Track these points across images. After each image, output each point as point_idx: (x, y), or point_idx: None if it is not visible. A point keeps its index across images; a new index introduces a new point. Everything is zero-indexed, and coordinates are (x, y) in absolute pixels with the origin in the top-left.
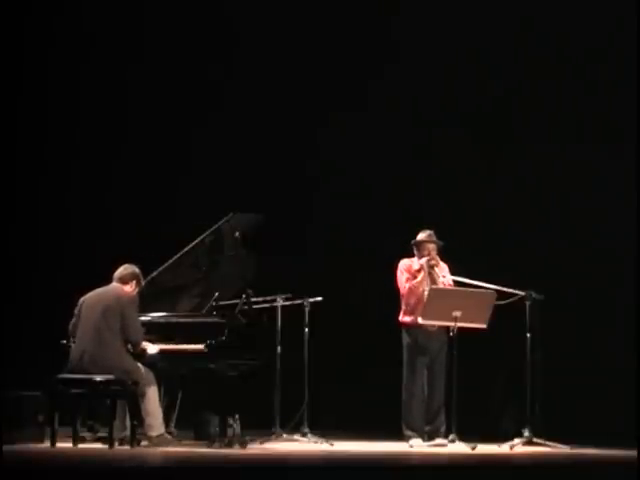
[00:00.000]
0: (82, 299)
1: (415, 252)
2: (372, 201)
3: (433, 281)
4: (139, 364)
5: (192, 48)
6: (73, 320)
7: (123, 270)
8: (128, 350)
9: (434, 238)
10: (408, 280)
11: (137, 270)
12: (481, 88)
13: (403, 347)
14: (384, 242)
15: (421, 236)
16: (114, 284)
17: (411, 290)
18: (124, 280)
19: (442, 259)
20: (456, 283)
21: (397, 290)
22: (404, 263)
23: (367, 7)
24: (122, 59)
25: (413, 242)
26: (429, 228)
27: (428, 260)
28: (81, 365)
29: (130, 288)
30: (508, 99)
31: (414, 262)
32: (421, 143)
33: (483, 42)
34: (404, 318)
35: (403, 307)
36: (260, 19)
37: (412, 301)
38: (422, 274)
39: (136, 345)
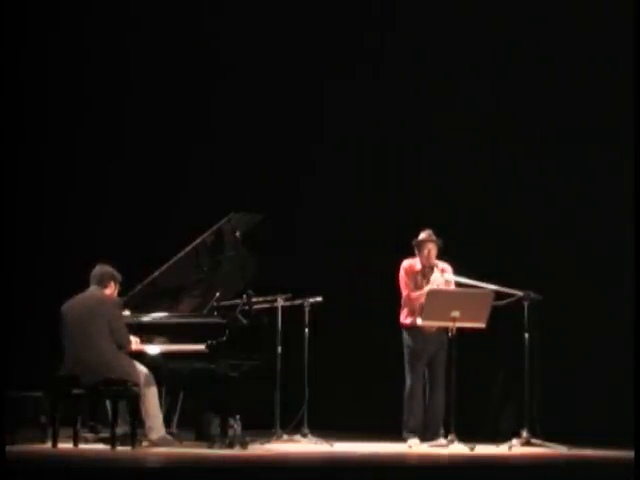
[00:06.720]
0: (64, 309)
1: (416, 252)
2: (373, 201)
3: (429, 282)
4: (139, 365)
5: (192, 47)
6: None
7: (100, 270)
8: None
9: (433, 237)
10: (407, 286)
11: (114, 271)
12: (482, 88)
13: (403, 348)
14: (385, 242)
15: (421, 236)
16: (93, 288)
17: (409, 298)
18: (103, 282)
19: (443, 259)
20: (456, 283)
21: (398, 290)
22: (407, 263)
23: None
24: (123, 57)
25: (414, 242)
26: (429, 228)
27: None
28: (76, 373)
29: (110, 290)
30: (508, 99)
31: (416, 262)
32: (421, 142)
33: (482, 42)
34: (405, 320)
35: (404, 309)
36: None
37: (409, 307)
38: (424, 289)
39: (123, 349)
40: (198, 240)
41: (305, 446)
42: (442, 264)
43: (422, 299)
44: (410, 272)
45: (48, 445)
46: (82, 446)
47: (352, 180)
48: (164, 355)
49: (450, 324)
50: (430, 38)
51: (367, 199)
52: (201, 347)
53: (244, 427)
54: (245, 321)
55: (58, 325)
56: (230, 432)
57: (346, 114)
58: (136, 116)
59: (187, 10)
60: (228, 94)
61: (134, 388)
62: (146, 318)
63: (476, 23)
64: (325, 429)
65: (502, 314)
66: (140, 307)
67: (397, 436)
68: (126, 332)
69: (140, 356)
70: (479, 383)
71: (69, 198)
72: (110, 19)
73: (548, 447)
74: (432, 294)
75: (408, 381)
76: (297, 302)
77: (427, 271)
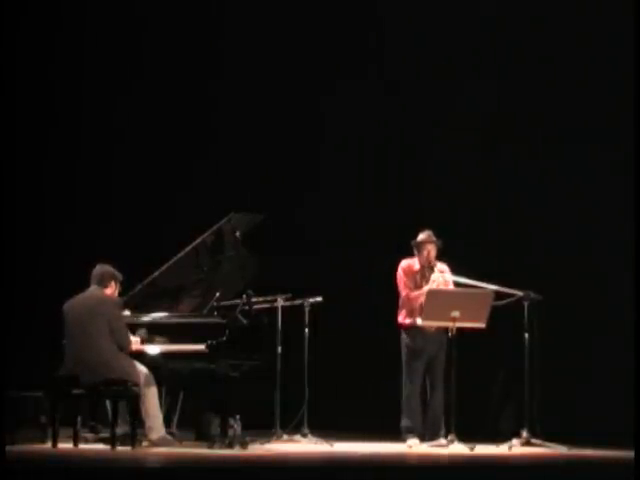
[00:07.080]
0: (65, 308)
1: (415, 252)
2: (373, 201)
3: (428, 282)
4: (139, 365)
5: (195, 47)
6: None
7: (100, 270)
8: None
9: (433, 238)
10: (406, 286)
11: (114, 271)
12: (483, 88)
13: (402, 348)
14: (386, 242)
15: (421, 237)
16: (94, 288)
17: (409, 298)
18: (104, 282)
19: (442, 259)
20: (455, 283)
21: (397, 289)
22: (405, 263)
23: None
24: (127, 56)
25: (413, 243)
26: (429, 228)
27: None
28: (76, 373)
29: (111, 290)
30: (510, 99)
31: (415, 262)
32: (421, 142)
33: (482, 42)
34: (404, 320)
35: (402, 309)
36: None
37: (408, 307)
38: (423, 289)
39: (123, 349)
40: (198, 240)
41: (305, 446)
42: (440, 265)
43: (422, 299)
44: (409, 272)
45: (48, 445)
46: (82, 446)
47: (353, 180)
48: (164, 355)
49: (450, 324)
50: (432, 38)
51: (368, 199)
52: (201, 347)
53: (244, 427)
54: (245, 321)
55: (58, 325)
56: (230, 432)
57: (347, 114)
58: (138, 115)
59: (192, 11)
60: (229, 94)
61: (134, 388)
62: (146, 318)
63: (478, 23)
64: (325, 429)
65: (502, 314)
66: (140, 307)
67: (397, 436)
68: (126, 332)
69: (140, 356)
70: (479, 383)
71: (70, 197)
72: (115, 18)
73: (548, 447)
74: (432, 294)
75: (406, 381)
76: (297, 302)
77: (426, 271)
